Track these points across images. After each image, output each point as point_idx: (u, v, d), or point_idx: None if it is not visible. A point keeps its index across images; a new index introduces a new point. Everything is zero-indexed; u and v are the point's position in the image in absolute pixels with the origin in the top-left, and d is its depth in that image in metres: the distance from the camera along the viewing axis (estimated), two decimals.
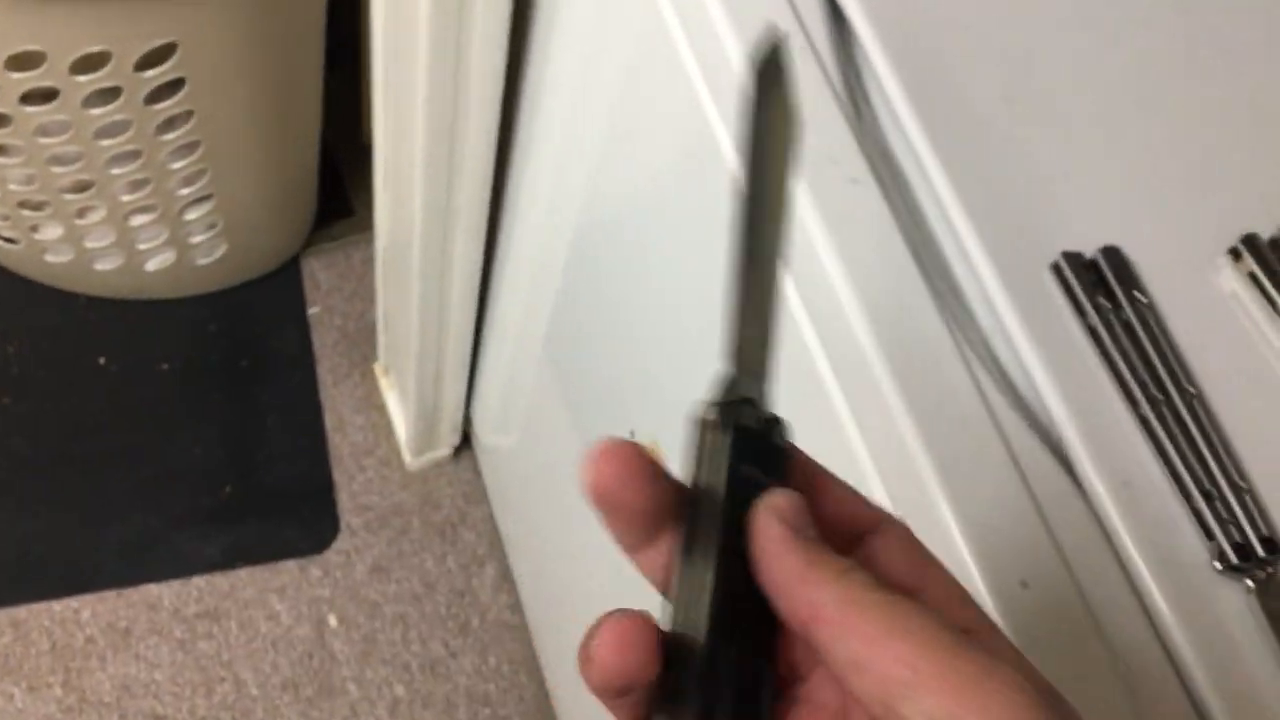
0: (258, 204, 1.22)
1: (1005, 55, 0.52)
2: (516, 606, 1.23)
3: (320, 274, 1.38)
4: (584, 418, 0.93)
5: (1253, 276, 0.48)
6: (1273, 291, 0.47)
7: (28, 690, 1.12)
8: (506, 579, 1.25)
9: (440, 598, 1.23)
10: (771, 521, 0.27)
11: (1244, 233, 0.49)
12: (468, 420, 1.25)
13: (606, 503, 0.27)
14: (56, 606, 1.16)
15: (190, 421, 1.26)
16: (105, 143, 1.01)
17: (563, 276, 0.87)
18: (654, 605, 0.28)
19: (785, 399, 0.30)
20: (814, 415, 0.46)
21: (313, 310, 1.35)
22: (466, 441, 1.29)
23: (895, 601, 0.25)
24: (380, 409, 1.31)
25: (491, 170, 0.86)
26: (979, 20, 0.53)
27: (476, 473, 1.30)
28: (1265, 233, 0.49)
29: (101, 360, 1.27)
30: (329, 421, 1.30)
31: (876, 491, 0.44)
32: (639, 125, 0.65)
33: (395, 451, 1.30)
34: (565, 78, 0.74)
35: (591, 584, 1.01)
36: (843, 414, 0.45)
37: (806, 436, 0.30)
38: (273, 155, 1.18)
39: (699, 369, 0.63)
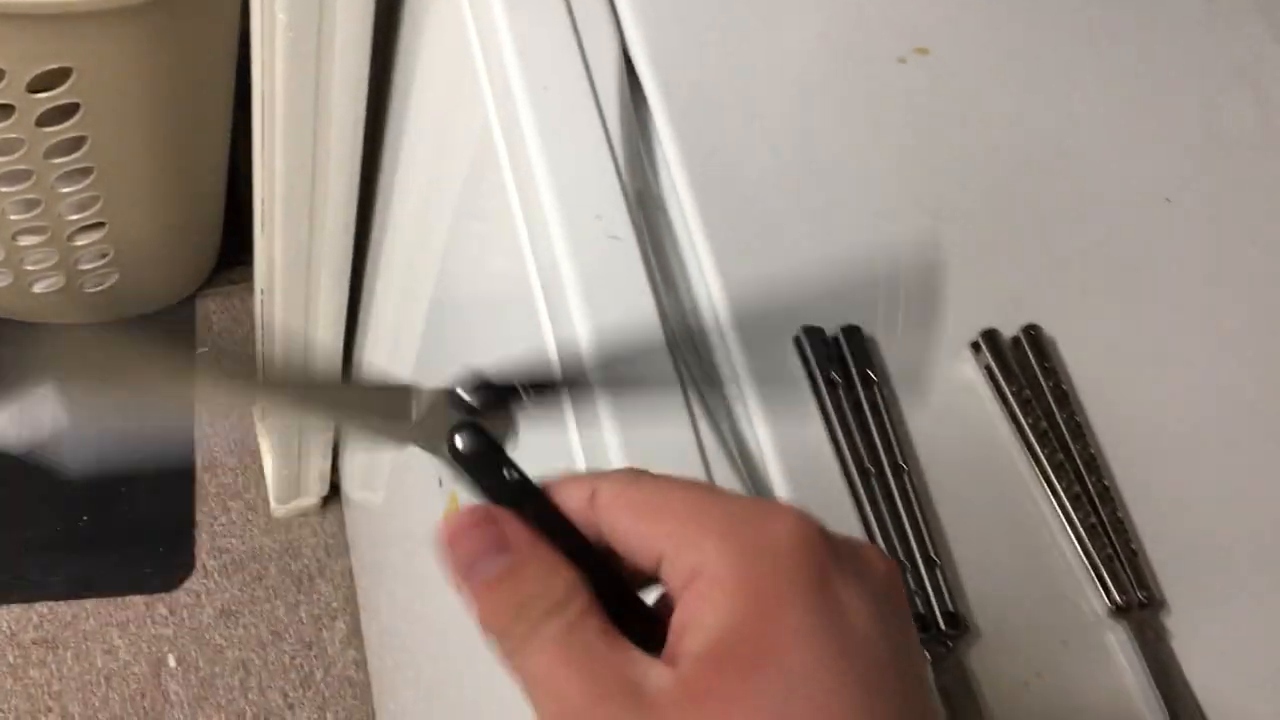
0: (154, 238, 1.24)
1: (790, 141, 0.55)
2: (362, 664, 1.22)
3: (214, 315, 1.39)
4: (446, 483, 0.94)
5: (989, 370, 0.51)
6: (1004, 385, 0.50)
7: None
8: (356, 635, 1.24)
9: (287, 647, 1.22)
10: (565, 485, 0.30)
11: (986, 328, 0.52)
12: (336, 472, 1.25)
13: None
14: None
15: None
16: None
17: (422, 339, 0.89)
18: (502, 689, 0.31)
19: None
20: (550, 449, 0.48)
21: (201, 350, 1.36)
22: (336, 493, 1.29)
23: (648, 484, 0.29)
24: (254, 453, 1.31)
25: (353, 222, 0.89)
26: (763, 103, 0.56)
27: (341, 526, 1.30)
28: (1007, 331, 0.52)
29: None
30: (200, 460, 1.29)
31: None
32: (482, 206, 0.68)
33: (263, 497, 1.29)
34: (421, 143, 0.77)
35: (439, 652, 1.01)
36: (576, 448, 0.47)
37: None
38: (172, 190, 1.20)
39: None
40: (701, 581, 0.26)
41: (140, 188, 1.15)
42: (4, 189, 1.07)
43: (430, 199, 0.75)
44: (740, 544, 0.26)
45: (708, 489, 0.28)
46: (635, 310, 0.49)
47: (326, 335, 1.01)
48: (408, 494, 1.10)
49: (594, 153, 0.52)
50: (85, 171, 1.09)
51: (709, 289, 0.50)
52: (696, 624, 0.26)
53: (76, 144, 1.05)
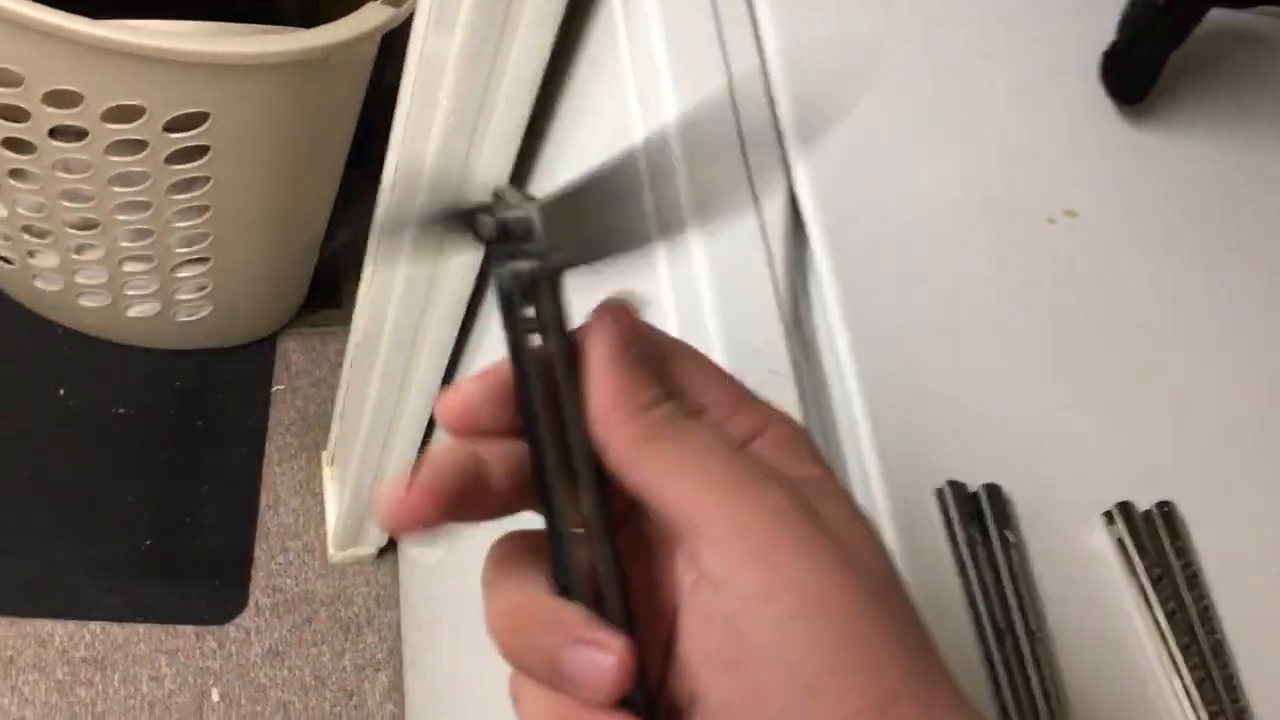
0: (251, 277, 1.27)
1: (941, 290, 0.57)
2: (400, 719, 1.23)
3: (294, 355, 1.41)
4: None
5: (1120, 542, 0.52)
6: (1136, 560, 0.51)
7: None
8: (397, 690, 1.24)
9: (328, 694, 1.22)
10: (598, 365, 0.28)
11: (1121, 500, 0.53)
12: None
13: (466, 427, 0.29)
14: None
15: (130, 469, 1.27)
16: (119, 189, 1.06)
17: None
18: None
19: None
20: None
21: (277, 388, 1.38)
22: (393, 545, 1.31)
23: (686, 438, 0.27)
24: (317, 496, 1.33)
25: (469, 292, 0.91)
26: (922, 251, 0.58)
27: (395, 579, 1.31)
28: (1141, 504, 0.53)
29: (61, 391, 1.29)
30: (264, 498, 1.31)
31: None
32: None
33: (321, 541, 1.31)
34: None
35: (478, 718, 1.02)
36: None
37: None
38: (276, 235, 1.23)
39: None
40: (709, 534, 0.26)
41: (248, 230, 1.18)
42: (121, 217, 1.10)
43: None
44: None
45: (735, 463, 0.27)
46: None
47: (418, 398, 1.03)
48: (463, 556, 1.12)
49: (758, 286, 0.54)
50: (201, 209, 1.12)
51: (857, 429, 0.52)
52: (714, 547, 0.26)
53: (198, 183, 1.08)
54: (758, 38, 0.64)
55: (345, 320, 1.45)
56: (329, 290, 1.45)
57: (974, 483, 0.51)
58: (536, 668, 0.27)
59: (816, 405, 0.52)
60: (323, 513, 1.32)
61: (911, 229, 0.59)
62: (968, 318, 0.57)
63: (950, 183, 0.61)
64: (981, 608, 0.48)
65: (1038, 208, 0.62)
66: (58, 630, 1.18)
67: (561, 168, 0.78)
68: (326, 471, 1.33)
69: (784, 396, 0.51)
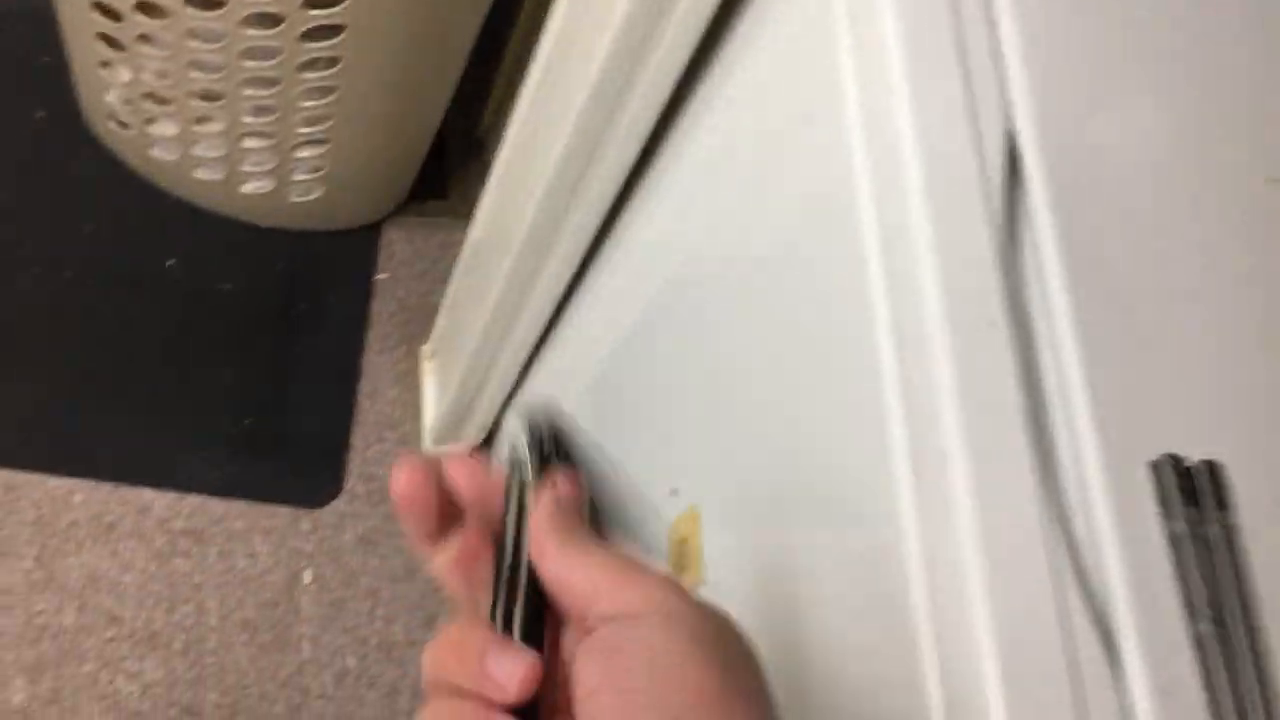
0: (365, 162, 1.24)
1: (1177, 255, 0.54)
2: None
3: (398, 244, 1.39)
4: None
5: None
6: None
7: (0, 555, 1.13)
8: None
9: (417, 585, 1.23)
10: (543, 505, 0.39)
11: None
12: (496, 424, 1.26)
13: (406, 504, 0.39)
14: (52, 482, 1.17)
15: (234, 346, 1.27)
16: (249, 64, 1.04)
17: (633, 324, 0.89)
18: None
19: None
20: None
21: (380, 276, 1.37)
22: (488, 443, 1.30)
23: (588, 547, 0.37)
24: (415, 388, 1.32)
25: (611, 201, 0.88)
26: (1162, 214, 0.54)
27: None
28: None
29: (169, 263, 1.28)
30: (363, 386, 1.31)
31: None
32: (772, 199, 0.67)
33: (417, 433, 1.30)
34: (721, 124, 0.75)
35: None
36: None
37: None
38: (395, 122, 1.20)
39: (752, 440, 0.64)
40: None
41: (369, 115, 1.16)
42: (247, 91, 1.08)
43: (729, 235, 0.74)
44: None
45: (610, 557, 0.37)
46: (999, 397, 0.48)
47: (539, 304, 1.01)
48: None
49: (975, 234, 0.51)
50: (327, 90, 1.09)
51: (1070, 390, 0.49)
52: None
53: (327, 63, 1.05)
54: None
55: (450, 212, 1.43)
56: (436, 181, 1.43)
57: (1192, 457, 0.48)
58: (463, 676, 0.35)
59: (1025, 364, 0.49)
60: (419, 405, 1.31)
61: (1134, 180, 0.55)
62: (1191, 278, 0.53)
63: (1178, 133, 0.57)
64: (1194, 594, 0.45)
65: (1258, 167, 0.58)
66: (157, 500, 1.19)
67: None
68: (426, 365, 1.32)
69: (999, 354, 0.48)
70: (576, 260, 0.96)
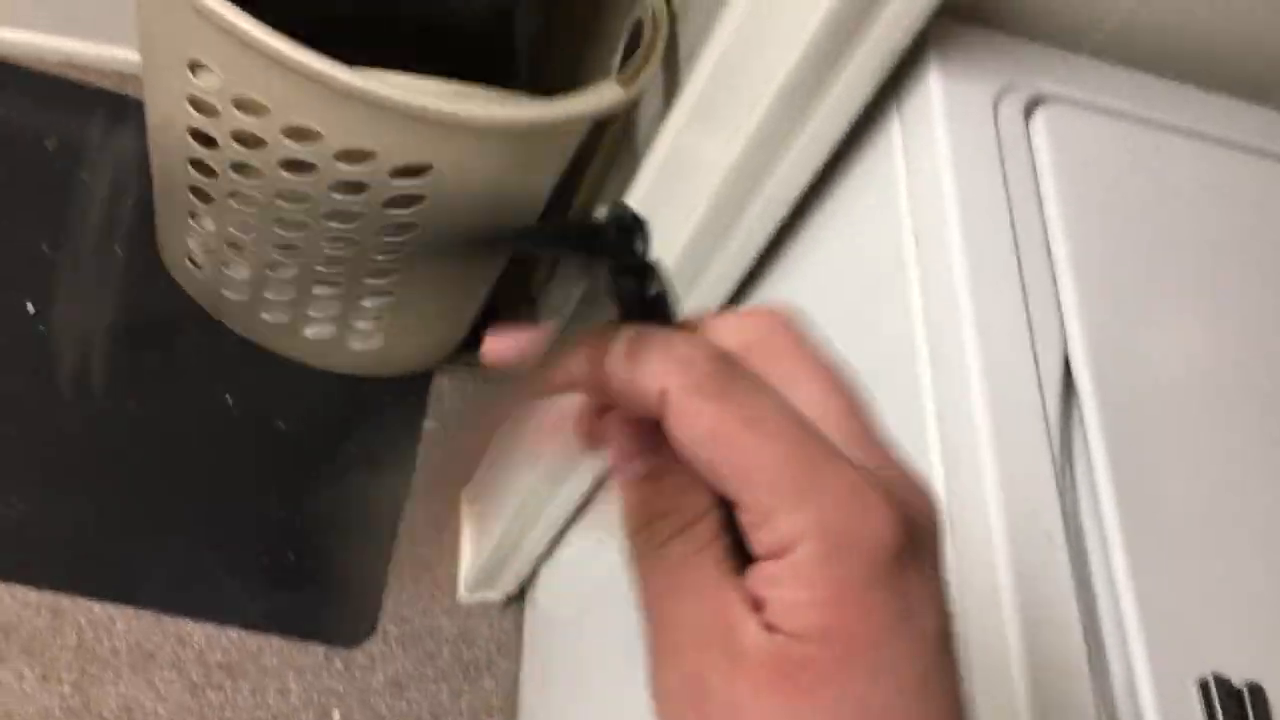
0: (423, 315, 1.30)
1: (1222, 470, 0.58)
2: None
3: (447, 393, 1.45)
4: None
5: None
6: None
7: (40, 678, 1.15)
8: None
9: None
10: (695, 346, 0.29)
11: None
12: (532, 575, 1.29)
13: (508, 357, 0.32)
14: (96, 608, 1.19)
15: (282, 482, 1.31)
16: (331, 224, 1.10)
17: None
18: None
19: None
20: None
21: (429, 423, 1.41)
22: (520, 595, 1.33)
23: (742, 394, 0.28)
24: (453, 533, 1.35)
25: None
26: (1206, 428, 0.59)
27: (518, 628, 1.32)
28: None
29: (228, 398, 1.33)
30: (404, 529, 1.34)
31: None
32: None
33: (452, 578, 1.33)
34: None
35: None
36: None
37: None
38: (455, 279, 1.26)
39: None
40: (797, 559, 0.27)
41: (435, 274, 1.22)
42: (325, 246, 1.14)
43: None
44: (838, 537, 0.27)
45: (812, 444, 0.28)
46: (1057, 611, 0.51)
47: (586, 472, 1.05)
48: (593, 620, 1.13)
49: (1034, 450, 0.55)
50: (398, 248, 1.15)
51: (1121, 606, 0.52)
52: (791, 600, 0.27)
53: (403, 228, 1.12)
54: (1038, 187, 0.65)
55: None
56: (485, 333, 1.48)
57: (1239, 677, 0.51)
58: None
59: (1080, 580, 0.53)
60: (457, 550, 1.34)
61: (1180, 396, 0.60)
62: (1236, 492, 0.57)
63: (1221, 348, 0.62)
64: None
65: None
66: (196, 631, 1.21)
67: (796, 283, 0.80)
68: (465, 511, 1.35)
69: (1056, 568, 0.52)
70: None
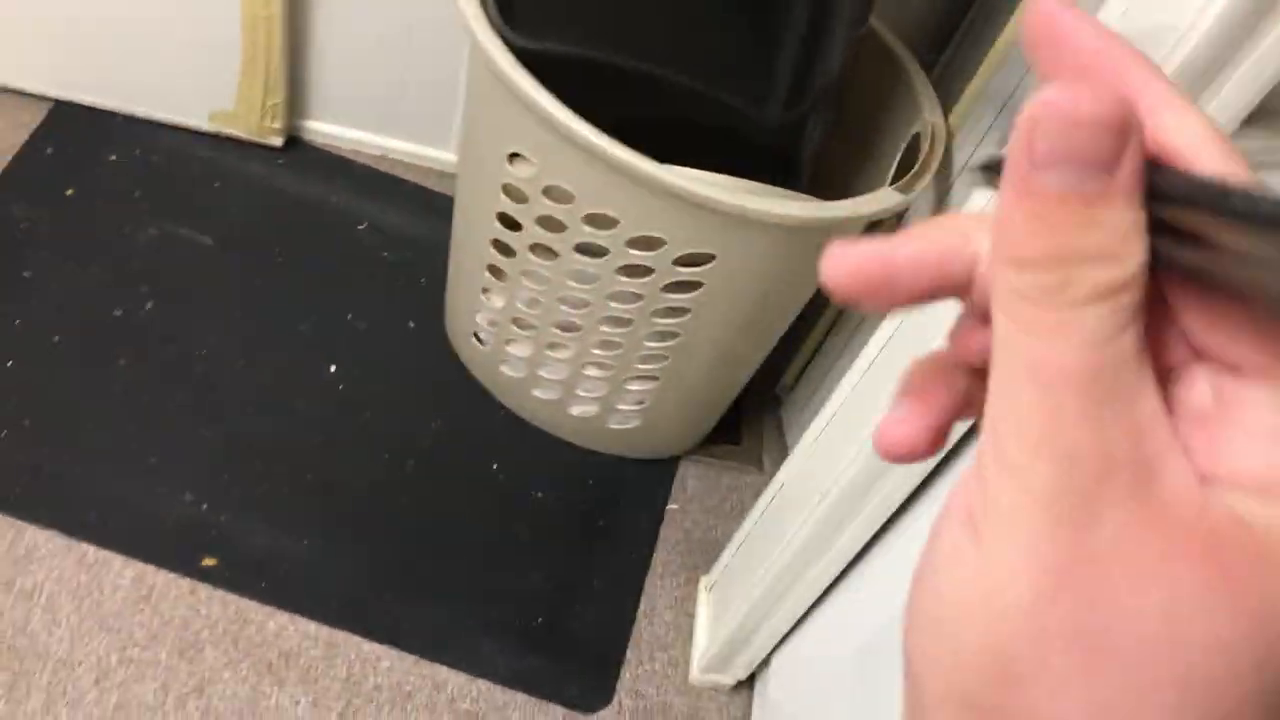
0: (681, 402, 1.38)
1: None
2: None
3: (690, 480, 1.51)
4: None
5: None
6: None
7: (312, 704, 1.25)
8: None
9: None
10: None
11: None
12: (765, 662, 1.32)
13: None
14: (367, 647, 1.29)
15: (538, 547, 1.40)
16: (614, 305, 1.20)
17: None
18: None
19: None
20: None
21: (672, 506, 1.48)
22: (750, 682, 1.35)
23: None
24: (689, 616, 1.40)
25: (910, 490, 0.97)
26: None
27: (746, 714, 1.35)
28: None
29: (494, 467, 1.44)
30: (643, 605, 1.40)
31: None
32: None
33: (685, 658, 1.37)
34: None
35: None
36: None
37: None
38: (718, 370, 1.34)
39: None
40: None
41: (699, 361, 1.30)
42: (604, 328, 1.24)
43: None
44: None
45: None
46: None
47: (832, 561, 1.09)
48: (831, 714, 1.15)
49: None
50: (671, 335, 1.24)
51: None
52: (1264, 428, 0.22)
53: (679, 312, 1.21)
54: None
55: (739, 457, 1.54)
56: (731, 428, 1.55)
57: None
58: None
59: None
60: (691, 633, 1.39)
61: None
62: None
63: None
64: None
65: None
66: (452, 679, 1.30)
67: None
68: (703, 596, 1.40)
69: None
70: (876, 525, 1.04)
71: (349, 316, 1.51)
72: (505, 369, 1.41)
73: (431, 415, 1.46)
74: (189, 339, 1.46)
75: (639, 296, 1.19)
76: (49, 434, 1.34)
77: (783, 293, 1.21)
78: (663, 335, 1.25)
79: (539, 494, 1.43)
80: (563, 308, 1.25)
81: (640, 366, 1.30)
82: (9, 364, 1.37)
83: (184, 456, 1.36)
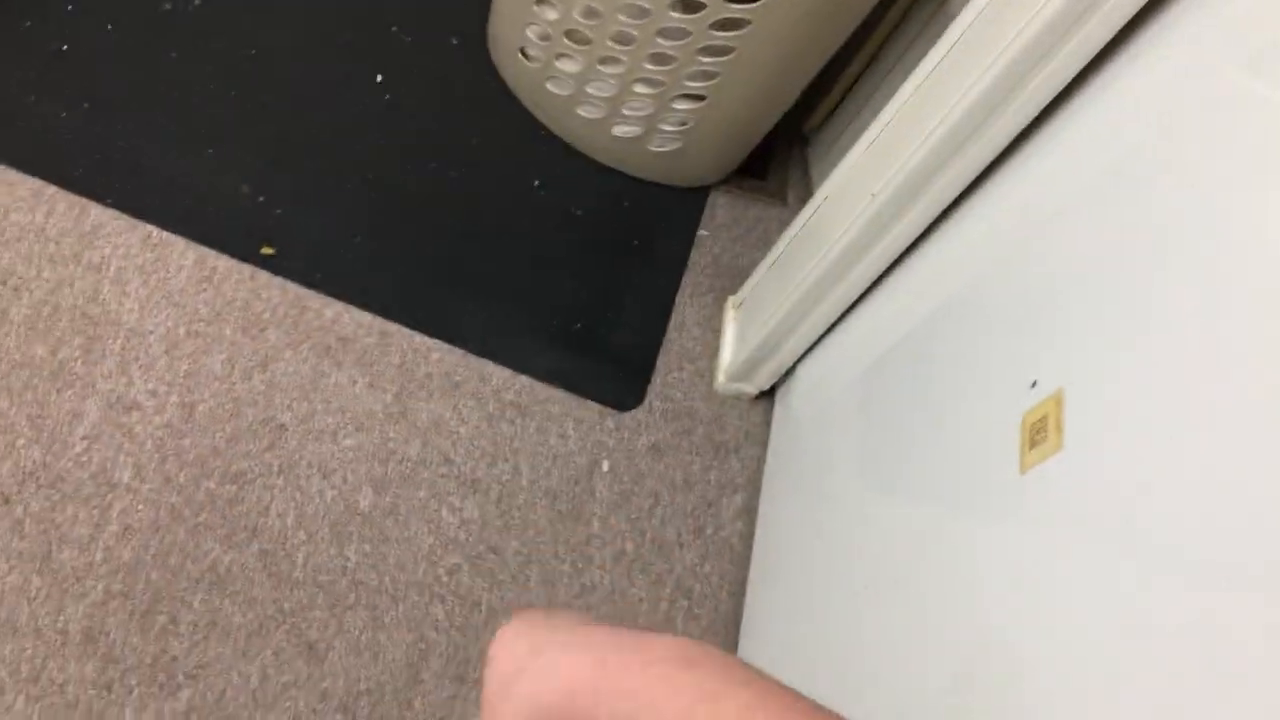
0: (723, 128, 1.43)
1: None
2: (746, 538, 1.38)
3: (720, 209, 1.58)
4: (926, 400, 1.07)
5: None
6: None
7: (368, 385, 1.33)
8: (748, 512, 1.40)
9: (692, 496, 1.39)
10: None
11: None
12: (784, 377, 1.42)
13: None
14: (418, 339, 1.37)
15: (577, 261, 1.46)
16: (674, 12, 1.23)
17: (953, 287, 1.03)
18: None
19: None
20: None
21: (702, 232, 1.55)
22: (771, 393, 1.46)
23: None
24: (716, 332, 1.49)
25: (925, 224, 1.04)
26: None
27: (766, 421, 1.46)
28: None
29: (536, 183, 1.49)
30: (673, 320, 1.48)
31: None
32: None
33: (712, 369, 1.47)
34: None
35: (812, 560, 1.15)
36: None
37: None
38: (762, 96, 1.39)
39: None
40: None
41: (746, 84, 1.34)
42: (659, 39, 1.28)
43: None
44: None
45: None
46: None
47: (857, 280, 1.17)
48: (843, 423, 1.25)
49: None
50: (725, 50, 1.28)
51: None
52: None
53: (737, 24, 1.24)
54: None
55: (766, 191, 1.61)
56: (760, 163, 1.61)
57: None
58: None
59: None
60: (718, 346, 1.48)
61: None
62: None
63: None
64: None
65: None
66: (496, 373, 1.38)
67: None
68: (730, 314, 1.49)
69: None
70: (900, 248, 1.12)
71: (393, 29, 1.53)
72: (551, 86, 1.45)
73: (474, 132, 1.50)
74: (237, 39, 1.47)
75: (701, 5, 1.22)
76: (108, 118, 1.36)
77: (827, 29, 1.25)
78: (717, 50, 1.29)
79: (579, 212, 1.49)
80: (620, 17, 1.28)
81: (689, 84, 1.34)
82: (64, 47, 1.38)
83: (239, 151, 1.40)
